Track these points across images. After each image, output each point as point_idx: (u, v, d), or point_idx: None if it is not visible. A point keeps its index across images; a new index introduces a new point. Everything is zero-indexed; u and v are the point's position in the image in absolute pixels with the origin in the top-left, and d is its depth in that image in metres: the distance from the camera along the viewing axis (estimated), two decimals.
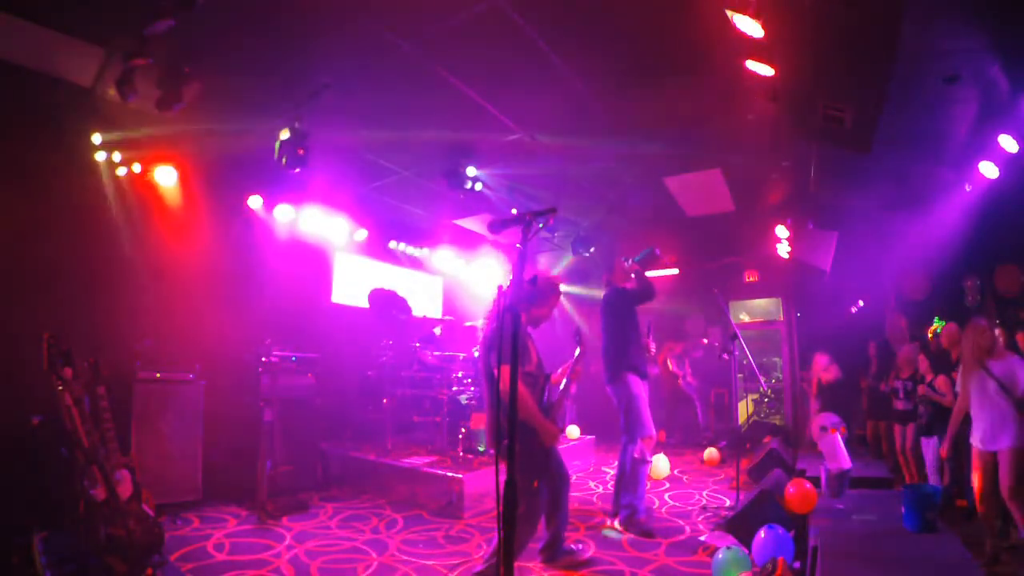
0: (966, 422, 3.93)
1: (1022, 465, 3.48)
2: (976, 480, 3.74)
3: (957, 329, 4.96)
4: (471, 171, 5.48)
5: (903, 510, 3.11)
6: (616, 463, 4.41)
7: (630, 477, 4.23)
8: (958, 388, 4.09)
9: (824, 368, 6.68)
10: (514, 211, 6.37)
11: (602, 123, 4.80)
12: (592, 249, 7.89)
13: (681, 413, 8.71)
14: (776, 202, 6.65)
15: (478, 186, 5.68)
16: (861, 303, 8.72)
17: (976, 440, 3.74)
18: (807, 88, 3.51)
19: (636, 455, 4.19)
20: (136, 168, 4.98)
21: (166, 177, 5.13)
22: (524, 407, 2.97)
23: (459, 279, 8.99)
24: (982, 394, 3.73)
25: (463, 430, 5.41)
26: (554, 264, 9.04)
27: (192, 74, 3.91)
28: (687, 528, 4.34)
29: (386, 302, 6.73)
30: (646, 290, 4.43)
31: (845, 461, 4.01)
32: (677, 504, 5.06)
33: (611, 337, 4.44)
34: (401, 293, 7.41)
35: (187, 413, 4.71)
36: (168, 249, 5.11)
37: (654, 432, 4.28)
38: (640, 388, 4.31)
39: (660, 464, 5.96)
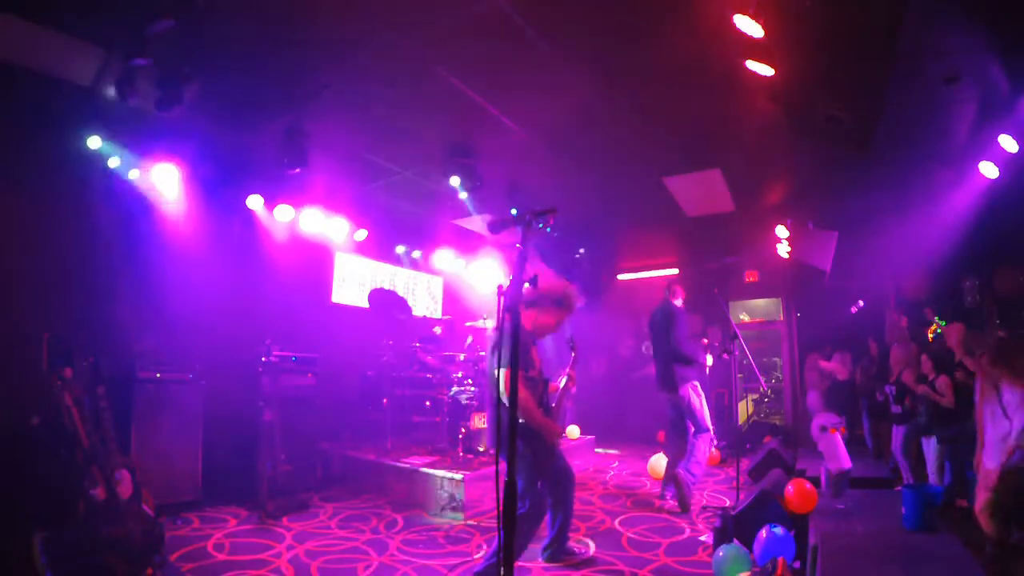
0: (964, 418, 3.92)
1: (1013, 486, 3.47)
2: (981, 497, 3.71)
3: (961, 329, 4.95)
4: (471, 171, 5.47)
5: (903, 510, 3.11)
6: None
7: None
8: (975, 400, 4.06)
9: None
10: (514, 211, 6.36)
11: (602, 123, 4.80)
12: (583, 251, 7.88)
13: None
14: (776, 202, 6.65)
15: (478, 186, 5.67)
16: (861, 303, 8.71)
17: (988, 460, 3.71)
18: (807, 88, 3.51)
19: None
20: (136, 168, 4.97)
21: (166, 177, 5.12)
22: (524, 408, 2.99)
23: (459, 279, 8.98)
24: (994, 417, 3.71)
25: (463, 430, 5.41)
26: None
27: (192, 74, 3.91)
28: (687, 528, 4.34)
29: (386, 302, 6.73)
30: None
31: (845, 461, 4.00)
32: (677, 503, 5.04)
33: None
34: (401, 293, 7.43)
35: (187, 413, 4.71)
36: (168, 249, 5.10)
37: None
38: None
39: (659, 463, 5.95)
